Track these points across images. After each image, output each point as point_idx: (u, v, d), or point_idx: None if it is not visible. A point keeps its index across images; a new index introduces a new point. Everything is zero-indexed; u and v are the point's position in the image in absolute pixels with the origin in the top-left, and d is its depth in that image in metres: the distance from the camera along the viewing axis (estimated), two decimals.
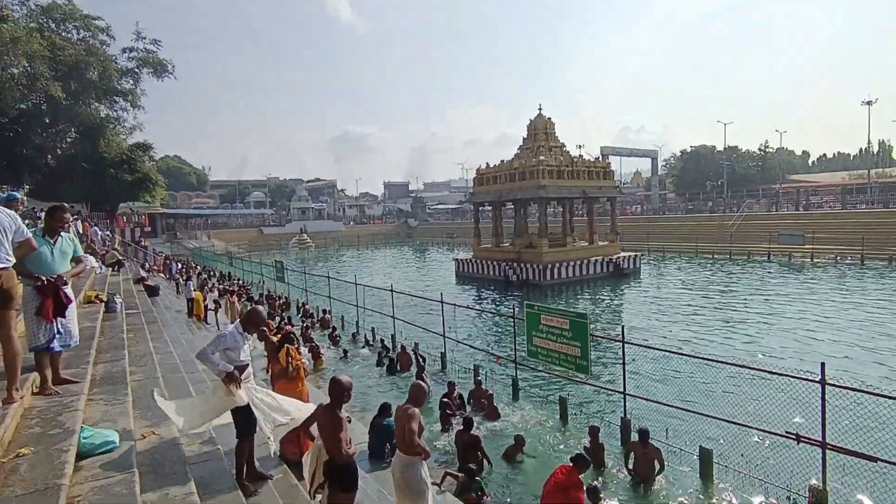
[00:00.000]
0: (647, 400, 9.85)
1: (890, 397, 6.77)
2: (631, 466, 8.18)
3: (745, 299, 25.03)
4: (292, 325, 15.98)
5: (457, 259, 40.20)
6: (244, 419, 4.91)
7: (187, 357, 9.50)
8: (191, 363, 8.95)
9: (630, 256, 35.82)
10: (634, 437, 8.63)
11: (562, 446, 9.52)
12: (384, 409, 8.04)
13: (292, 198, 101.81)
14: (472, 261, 37.86)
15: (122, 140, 41.55)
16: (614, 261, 34.70)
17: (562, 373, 11.60)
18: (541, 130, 36.28)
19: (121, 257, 20.51)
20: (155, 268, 30.49)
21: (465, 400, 11.04)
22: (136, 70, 39.09)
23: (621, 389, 9.70)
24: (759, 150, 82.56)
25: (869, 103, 59.83)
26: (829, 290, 26.75)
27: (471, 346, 15.60)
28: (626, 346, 9.65)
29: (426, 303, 18.22)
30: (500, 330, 19.72)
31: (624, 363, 9.61)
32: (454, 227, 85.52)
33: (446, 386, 11.18)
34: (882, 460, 6.60)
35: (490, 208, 42.65)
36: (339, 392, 4.31)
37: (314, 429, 4.52)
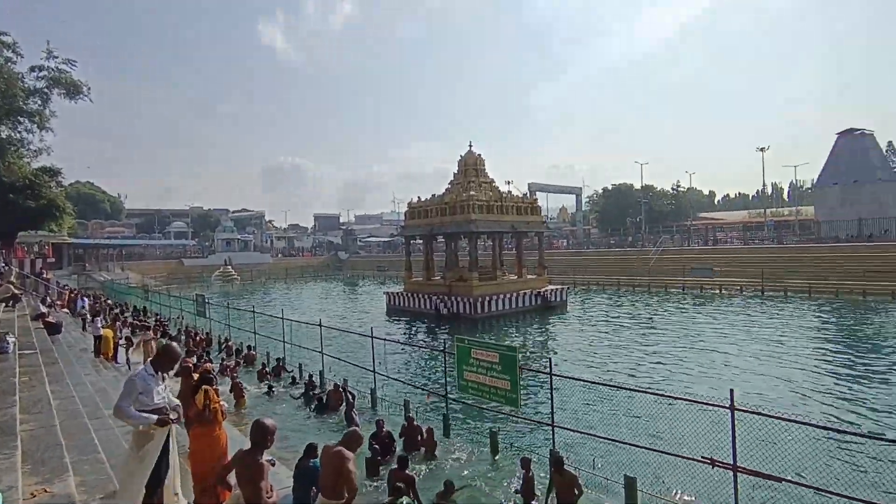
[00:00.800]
0: (573, 431, 10.05)
1: (794, 421, 7.31)
2: (554, 494, 8.26)
3: (665, 330, 26.46)
4: (211, 363, 15.10)
5: (388, 292, 39.87)
6: (155, 467, 4.52)
7: (91, 401, 8.69)
8: (94, 407, 8.18)
9: (557, 289, 37.03)
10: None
11: (493, 478, 9.47)
12: (310, 449, 7.66)
13: (217, 228, 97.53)
14: (403, 294, 37.66)
15: (25, 164, 38.34)
16: (542, 294, 35.71)
17: (493, 407, 11.66)
18: (471, 166, 37.25)
19: (17, 291, 18.66)
20: (58, 303, 27.94)
21: (395, 438, 10.77)
22: (46, 90, 36.50)
23: (549, 422, 9.84)
24: (673, 189, 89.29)
25: (762, 150, 66.42)
26: (736, 320, 28.84)
27: (402, 382, 15.35)
28: (553, 378, 9.86)
29: (356, 337, 17.84)
30: (431, 364, 19.59)
31: (552, 395, 9.79)
32: (386, 261, 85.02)
33: (374, 425, 10.84)
34: (788, 480, 7.07)
35: (421, 242, 42.91)
36: (261, 436, 4.08)
37: (232, 477, 4.24)
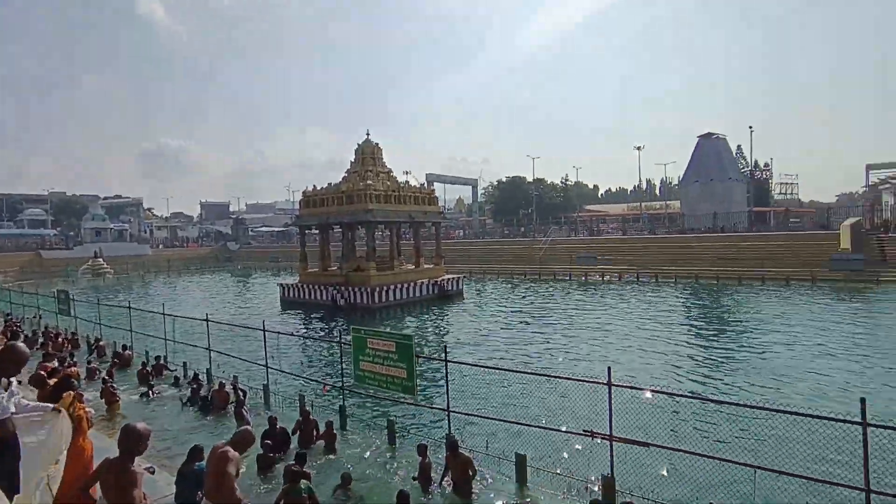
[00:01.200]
0: (468, 414, 10.40)
1: (662, 392, 8.15)
2: (449, 477, 8.52)
3: (553, 314, 28.15)
4: (76, 366, 13.61)
5: (282, 284, 38.34)
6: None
7: None
8: None
9: (454, 279, 37.87)
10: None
11: (391, 467, 9.53)
12: (194, 452, 7.20)
13: (84, 216, 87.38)
14: (298, 286, 36.44)
15: None
16: (439, 283, 36.34)
17: (390, 396, 11.70)
18: (368, 155, 36.78)
19: None
20: None
21: (290, 433, 10.44)
22: None
23: (444, 407, 10.08)
24: (562, 182, 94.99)
25: (639, 148, 72.53)
26: (615, 303, 31.43)
27: (296, 376, 14.89)
28: (448, 364, 10.09)
29: (248, 332, 16.97)
30: (327, 356, 19.20)
31: (447, 381, 10.03)
32: (279, 251, 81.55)
33: (267, 422, 10.43)
34: (655, 445, 7.86)
35: (317, 231, 41.70)
36: (131, 441, 3.75)
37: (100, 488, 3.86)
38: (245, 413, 11.76)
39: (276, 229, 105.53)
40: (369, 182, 34.20)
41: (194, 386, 13.98)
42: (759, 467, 7.06)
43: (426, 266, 38.75)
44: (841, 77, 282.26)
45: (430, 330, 26.12)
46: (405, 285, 34.02)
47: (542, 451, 9.57)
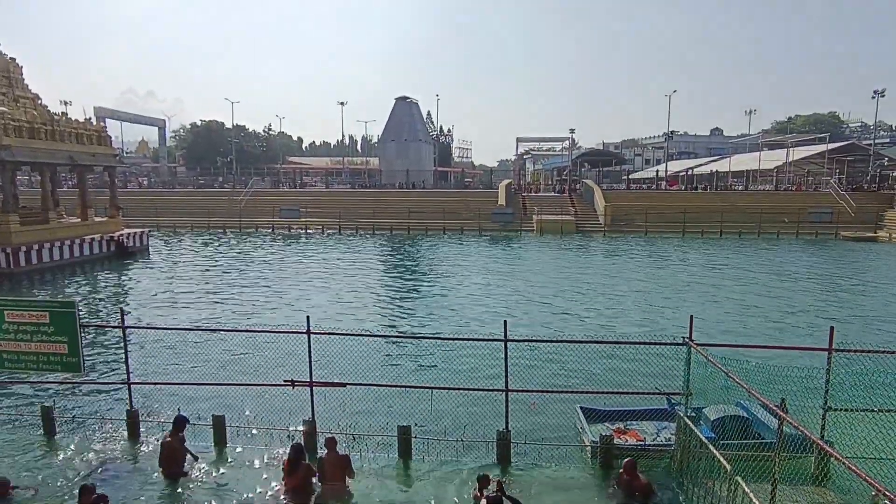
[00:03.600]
0: (153, 384, 9.31)
1: (358, 334, 8.75)
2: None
3: (254, 268, 27.06)
4: None
5: None
6: None
7: None
8: None
9: (135, 233, 32.61)
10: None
11: (52, 466, 7.84)
12: None
13: None
14: None
15: None
16: (117, 239, 30.83)
17: (45, 379, 9.56)
18: (1, 73, 27.83)
19: None
20: None
21: None
22: None
23: (125, 380, 8.77)
24: (264, 131, 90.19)
25: (342, 104, 74.06)
26: (317, 254, 32.12)
27: None
28: (126, 330, 8.74)
29: None
30: None
31: (126, 350, 8.70)
32: None
33: None
34: (351, 384, 8.47)
35: None
36: None
37: None
38: None
39: None
40: (3, 109, 26.04)
41: None
42: (434, 387, 8.40)
43: (98, 219, 32.20)
44: (508, 64, 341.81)
45: (105, 294, 22.03)
46: (67, 243, 27.69)
47: (240, 408, 9.27)
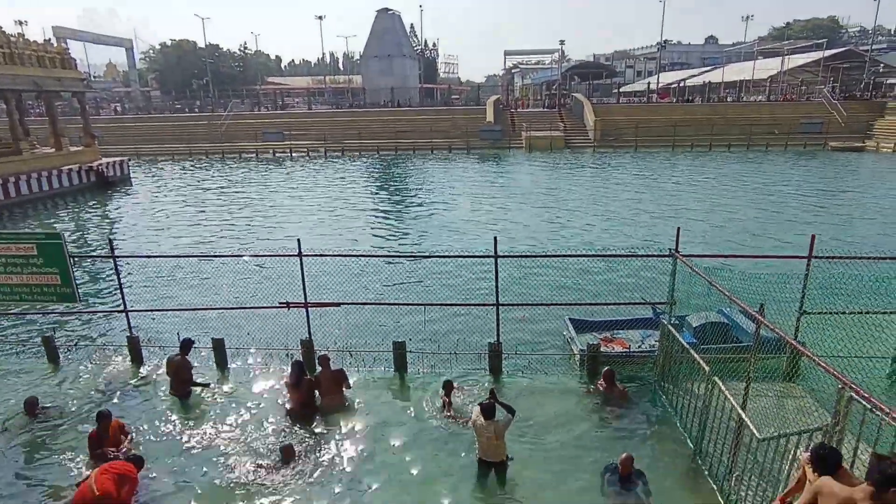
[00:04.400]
0: (150, 311, 9.45)
1: (346, 255, 8.83)
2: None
3: (240, 194, 26.70)
4: None
5: None
6: None
7: None
8: None
9: (115, 162, 31.70)
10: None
11: (62, 388, 8.12)
12: None
13: None
14: None
15: None
16: (96, 169, 30.01)
17: (41, 308, 9.69)
18: None
19: None
20: None
21: None
22: None
23: (121, 308, 8.88)
24: (240, 51, 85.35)
25: (320, 18, 69.90)
26: (303, 178, 31.65)
27: None
28: (117, 260, 8.74)
29: None
30: None
31: (119, 279, 8.73)
32: None
33: None
34: (344, 303, 8.67)
35: None
36: None
37: None
38: None
39: None
40: None
41: None
42: (427, 304, 8.62)
43: (73, 149, 31.16)
44: None
45: (91, 226, 21.78)
46: (44, 174, 26.93)
47: (238, 332, 9.48)
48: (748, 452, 5.11)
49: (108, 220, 22.89)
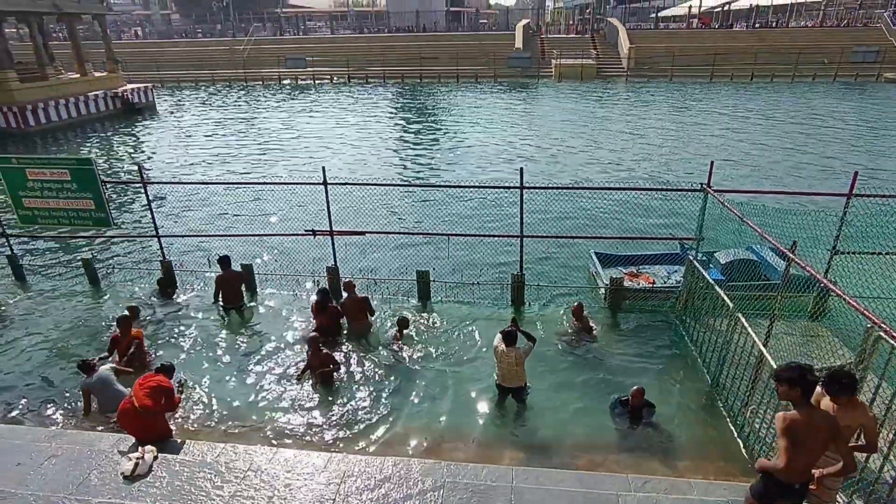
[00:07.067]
0: (182, 237, 9.71)
1: (375, 184, 8.83)
2: None
3: (267, 122, 26.51)
4: None
5: None
6: None
7: None
8: None
9: (140, 89, 31.56)
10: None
11: (98, 313, 8.55)
12: None
13: None
14: None
15: None
16: (121, 95, 29.97)
17: (74, 231, 10.04)
18: None
19: None
20: None
21: None
22: None
23: (153, 233, 9.13)
24: None
25: None
26: (328, 106, 31.13)
27: None
28: (148, 186, 8.88)
29: None
30: None
31: (150, 206, 8.92)
32: None
33: None
34: (373, 232, 8.75)
35: None
36: None
37: None
38: None
39: None
40: None
41: None
42: (449, 234, 8.65)
43: (97, 75, 31.00)
44: None
45: (119, 152, 22.05)
46: (72, 100, 27.03)
47: (278, 258, 9.74)
48: (766, 388, 5.17)
49: (136, 148, 23.11)
